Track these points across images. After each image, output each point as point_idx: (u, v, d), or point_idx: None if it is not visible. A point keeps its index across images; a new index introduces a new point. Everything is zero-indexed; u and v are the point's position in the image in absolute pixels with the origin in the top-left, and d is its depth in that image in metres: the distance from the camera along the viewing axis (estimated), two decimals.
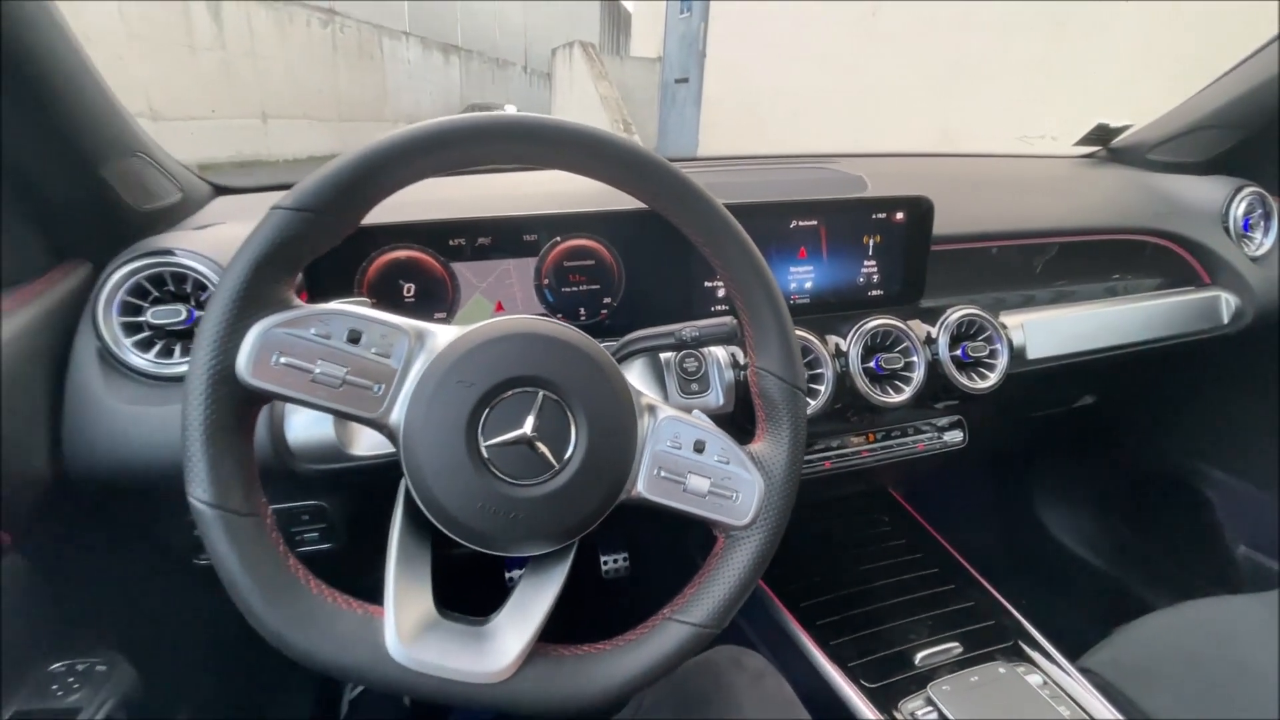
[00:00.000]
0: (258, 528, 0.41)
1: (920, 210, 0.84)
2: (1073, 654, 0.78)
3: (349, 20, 13.66)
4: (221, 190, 0.84)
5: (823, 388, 0.74)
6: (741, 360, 0.72)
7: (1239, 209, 1.04)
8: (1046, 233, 0.97)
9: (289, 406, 0.60)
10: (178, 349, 0.62)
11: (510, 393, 0.44)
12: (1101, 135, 1.24)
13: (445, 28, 17.23)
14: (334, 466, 0.62)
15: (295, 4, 12.10)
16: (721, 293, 0.79)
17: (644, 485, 0.48)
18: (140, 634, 0.63)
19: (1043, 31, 3.51)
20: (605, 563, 1.31)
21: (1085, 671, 0.75)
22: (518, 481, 0.44)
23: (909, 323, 0.81)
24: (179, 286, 0.63)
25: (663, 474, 0.48)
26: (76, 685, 0.55)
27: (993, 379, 0.81)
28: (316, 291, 0.66)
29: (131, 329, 0.62)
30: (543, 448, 0.44)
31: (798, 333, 0.74)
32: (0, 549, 0.51)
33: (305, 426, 0.61)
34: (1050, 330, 0.87)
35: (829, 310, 0.83)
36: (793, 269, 0.81)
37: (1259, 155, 1.09)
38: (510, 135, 0.46)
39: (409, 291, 0.68)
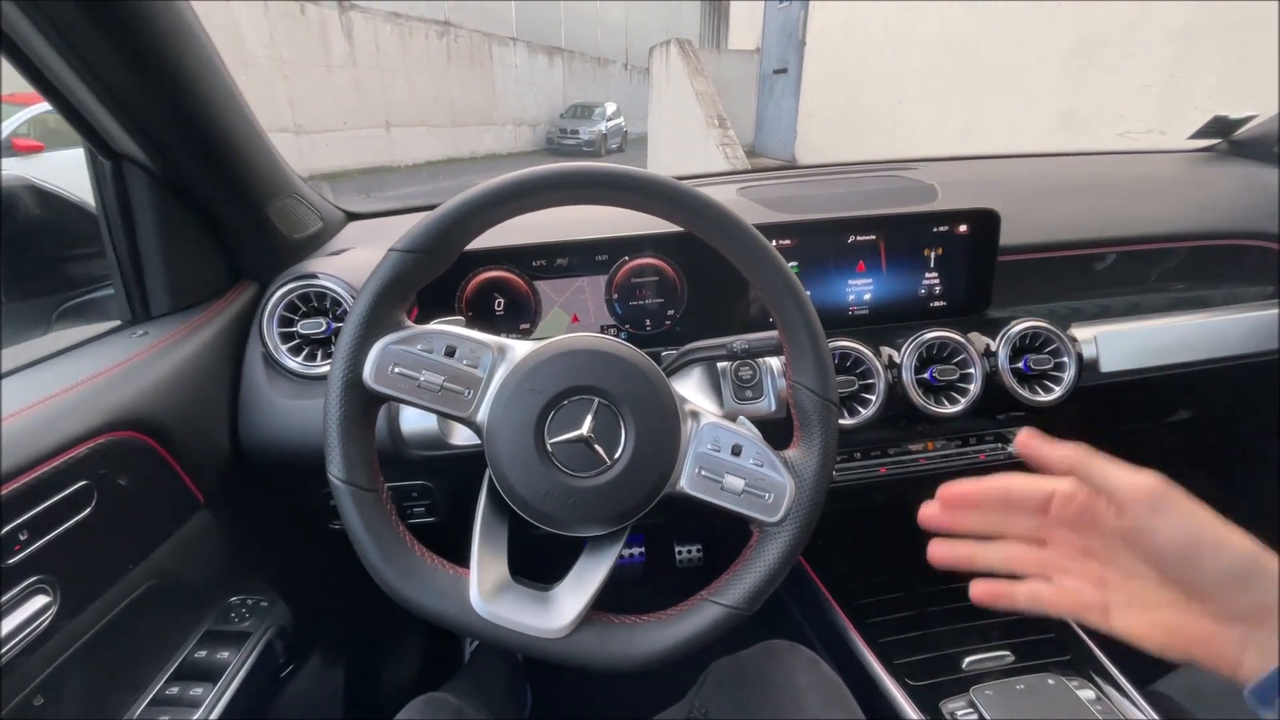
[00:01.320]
0: (377, 501, 0.53)
1: (985, 222, 0.84)
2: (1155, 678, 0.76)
3: (461, 30, 14.50)
4: (352, 216, 1.01)
5: (874, 397, 0.78)
6: None
7: None
8: (1141, 239, 0.93)
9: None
10: (319, 354, 0.77)
11: (571, 399, 0.53)
12: (1221, 128, 1.15)
13: (549, 30, 17.83)
14: (437, 454, 0.74)
15: (415, 17, 13.02)
16: None
17: (686, 482, 0.55)
18: (294, 580, 0.80)
19: None
20: (679, 553, 1.39)
21: (1153, 694, 0.74)
22: (576, 473, 0.53)
23: (969, 335, 0.82)
24: (320, 303, 0.78)
25: (703, 473, 0.55)
26: (247, 615, 0.71)
27: (1058, 392, 0.80)
28: (426, 305, 0.78)
29: (286, 338, 0.77)
30: (597, 446, 0.53)
31: (849, 344, 0.79)
32: (196, 503, 0.67)
33: (415, 421, 0.73)
34: (1127, 342, 0.84)
35: (890, 321, 0.86)
36: (851, 282, 0.85)
37: None
38: (567, 184, 0.54)
39: (499, 305, 0.80)
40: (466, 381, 0.54)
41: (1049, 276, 0.93)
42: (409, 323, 0.56)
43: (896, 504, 1.04)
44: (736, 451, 0.56)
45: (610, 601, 0.54)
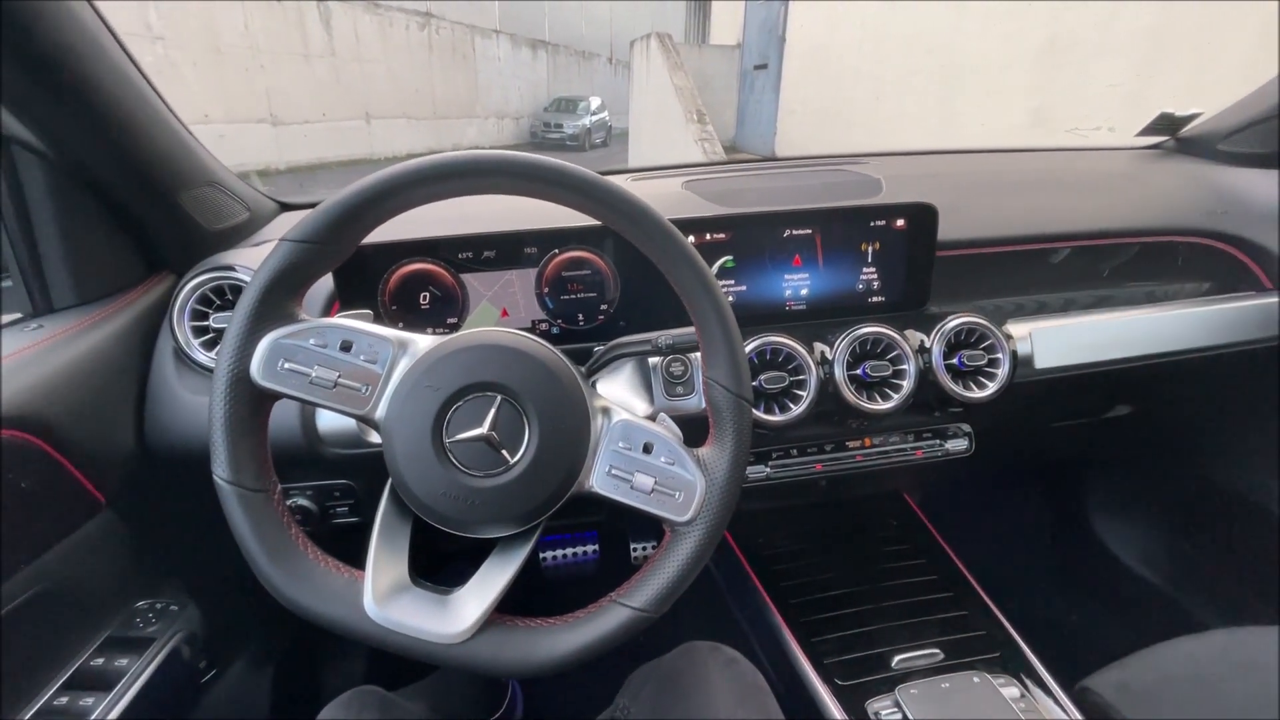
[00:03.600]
0: (266, 502, 0.51)
1: (923, 217, 0.83)
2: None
3: (444, 21, 14.33)
4: (286, 206, 0.97)
5: (805, 393, 0.77)
6: None
7: None
8: (1081, 236, 0.93)
9: None
10: None
11: (472, 396, 0.52)
12: (1167, 125, 1.15)
13: (533, 23, 17.68)
14: (355, 451, 0.72)
15: (395, 7, 12.83)
16: None
17: (596, 481, 0.54)
18: (205, 583, 0.77)
19: None
20: (635, 549, 1.38)
21: (1084, 690, 0.74)
22: (476, 473, 0.51)
23: (905, 331, 0.82)
24: (236, 296, 0.75)
25: (613, 471, 0.54)
26: (154, 620, 0.68)
27: (992, 388, 0.79)
28: (347, 299, 0.76)
29: (200, 331, 0.74)
30: (499, 444, 0.51)
31: (781, 339, 0.78)
32: (96, 505, 0.64)
33: (332, 418, 0.71)
34: (1062, 339, 0.84)
35: (828, 316, 0.85)
36: (788, 276, 0.83)
37: None
38: (467, 172, 0.52)
39: (425, 299, 0.77)
40: (364, 378, 0.52)
41: (993, 272, 0.92)
42: (303, 315, 0.53)
43: (835, 501, 1.04)
44: (648, 449, 0.55)
45: (561, 598, 0.53)
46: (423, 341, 0.54)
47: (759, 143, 7.09)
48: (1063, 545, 1.37)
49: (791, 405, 0.77)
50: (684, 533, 0.54)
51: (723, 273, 0.82)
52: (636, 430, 0.55)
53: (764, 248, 0.82)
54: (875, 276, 0.85)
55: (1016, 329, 0.84)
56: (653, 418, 0.60)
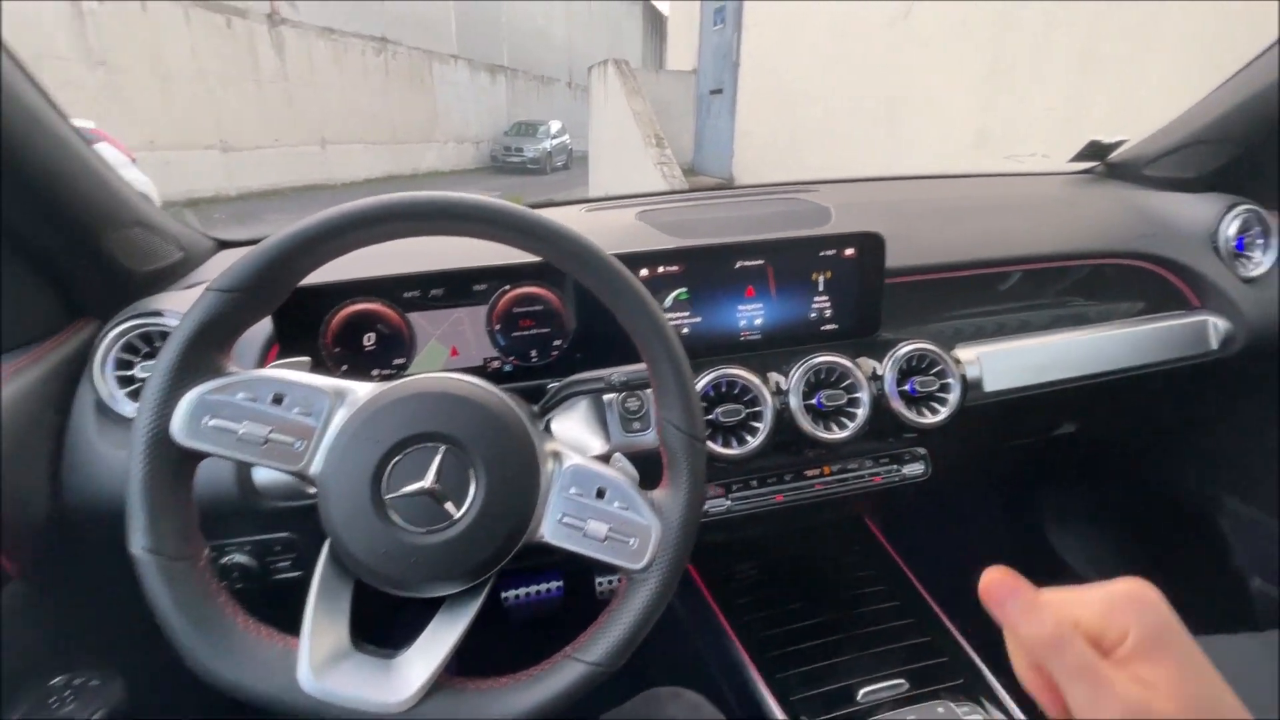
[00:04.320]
0: (188, 571, 0.47)
1: (870, 246, 0.85)
2: None
3: (400, 47, 14.28)
4: (225, 244, 0.94)
5: (761, 425, 0.76)
6: None
7: (1230, 228, 0.99)
8: (1020, 260, 0.96)
9: None
10: None
11: (414, 448, 0.49)
12: (1096, 151, 1.21)
13: (491, 49, 17.77)
14: (296, 503, 0.68)
15: (350, 33, 12.73)
16: None
17: (547, 529, 0.52)
18: (130, 654, 0.72)
19: (1084, 26, 3.36)
20: (600, 584, 1.35)
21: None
22: (418, 529, 0.48)
23: (859, 359, 0.82)
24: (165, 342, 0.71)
25: (566, 519, 0.52)
26: (71, 698, 0.63)
27: (943, 414, 0.81)
28: (287, 343, 0.73)
29: (125, 381, 0.70)
30: (442, 497, 0.49)
31: (737, 371, 0.77)
32: (4, 576, 0.59)
33: (270, 469, 0.67)
34: (1008, 362, 0.86)
35: (782, 345, 0.85)
36: (741, 307, 0.83)
37: (1256, 171, 1.04)
38: (405, 214, 0.51)
39: (370, 340, 0.75)
40: (297, 431, 0.49)
41: (944, 296, 0.94)
42: (232, 368, 0.50)
43: (806, 527, 1.03)
44: (601, 494, 0.53)
45: (524, 643, 0.50)
46: (361, 390, 0.52)
47: (717, 166, 7.22)
48: (1021, 562, 1.40)
49: (749, 438, 0.76)
50: (640, 580, 0.53)
51: (676, 305, 0.81)
52: (589, 475, 0.54)
53: (717, 279, 0.82)
54: (827, 305, 0.86)
55: (965, 353, 0.85)
56: (608, 457, 0.58)
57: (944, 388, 0.82)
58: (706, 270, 0.81)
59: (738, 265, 0.82)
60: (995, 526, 1.40)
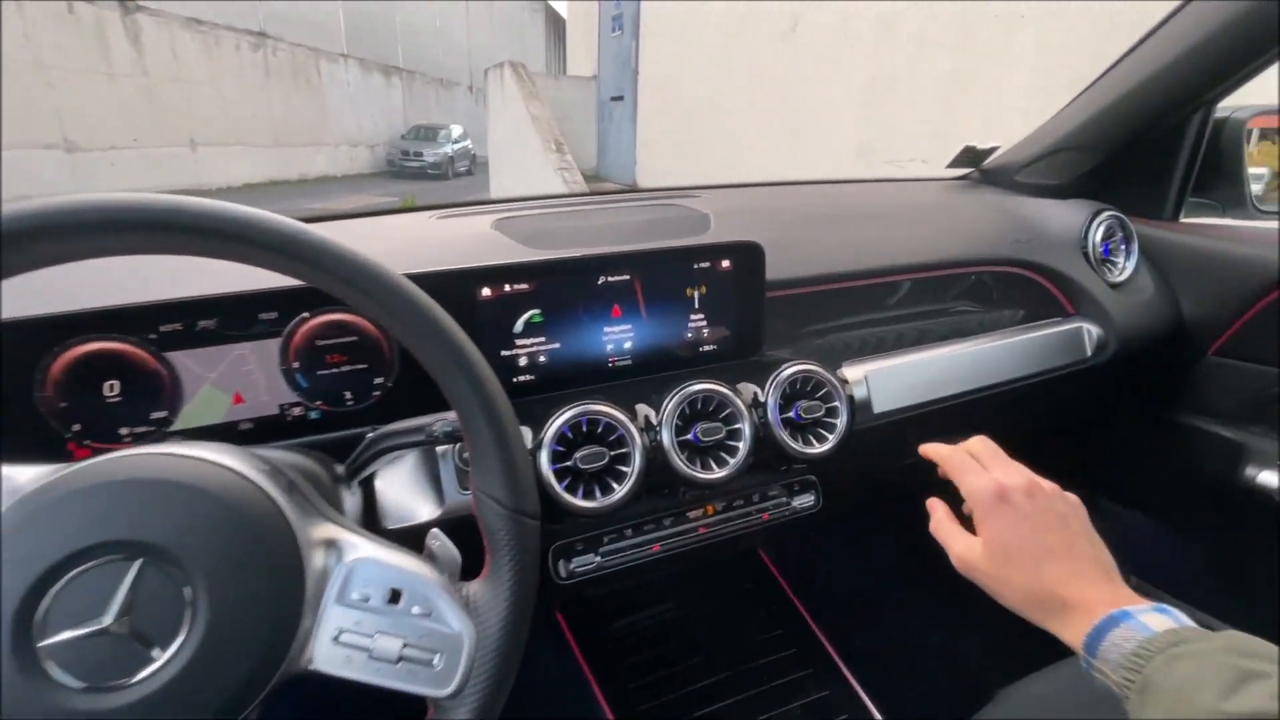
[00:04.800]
0: None
1: (748, 257, 0.76)
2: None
3: (281, 43, 13.28)
4: None
5: (630, 469, 0.65)
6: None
7: (1097, 234, 1.00)
8: (903, 269, 0.91)
9: None
10: None
11: (90, 564, 0.34)
12: (971, 158, 1.20)
13: (385, 49, 16.95)
14: None
15: (222, 26, 11.68)
16: (524, 362, 0.69)
17: (319, 654, 0.38)
18: None
19: (952, 45, 3.57)
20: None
21: None
22: (97, 684, 0.33)
23: (740, 384, 0.73)
24: None
25: (343, 637, 0.38)
26: None
27: (831, 442, 0.73)
28: None
29: None
30: (140, 636, 0.34)
31: (598, 408, 0.66)
32: None
33: None
34: (896, 379, 0.80)
35: (658, 371, 0.75)
36: (608, 329, 0.72)
37: (1118, 178, 1.06)
38: (95, 226, 0.35)
39: (113, 390, 0.57)
40: None
41: (832, 309, 0.88)
42: None
43: (685, 571, 0.94)
44: (394, 598, 0.40)
45: None
46: (22, 478, 0.36)
47: (620, 172, 7.18)
48: (918, 585, 1.38)
49: (615, 485, 0.65)
50: (451, 707, 0.40)
51: (529, 330, 0.69)
52: (377, 571, 0.40)
53: (577, 297, 0.70)
54: (704, 324, 0.76)
55: (852, 372, 0.79)
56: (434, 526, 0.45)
57: (830, 412, 0.74)
58: (564, 288, 0.70)
59: (600, 281, 0.71)
60: (892, 549, 1.37)
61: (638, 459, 0.65)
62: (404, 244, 0.81)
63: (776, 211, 0.99)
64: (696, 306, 0.76)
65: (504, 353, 0.68)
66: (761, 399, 0.72)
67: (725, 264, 0.76)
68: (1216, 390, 1.01)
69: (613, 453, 0.65)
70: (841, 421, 0.74)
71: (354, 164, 15.86)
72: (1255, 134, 1.11)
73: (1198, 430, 1.02)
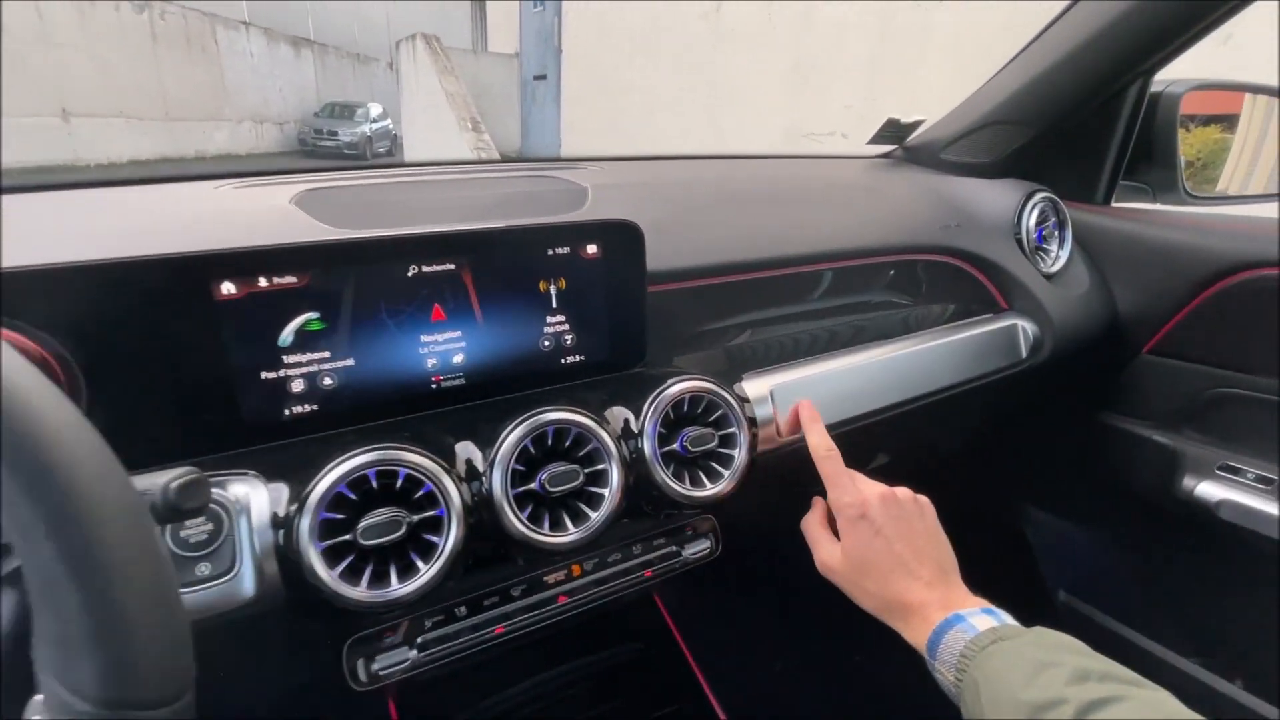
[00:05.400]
0: None
1: (622, 240, 0.58)
2: None
3: (170, 7, 12.04)
4: None
5: (442, 539, 0.46)
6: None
7: (1031, 218, 0.89)
8: (819, 258, 0.76)
9: None
10: None
11: None
12: (895, 133, 1.07)
13: (294, 20, 15.77)
14: None
15: None
16: (297, 387, 0.49)
17: None
18: None
19: (872, 31, 3.53)
20: None
21: None
22: None
23: (608, 410, 0.56)
24: None
25: None
26: None
27: (726, 478, 0.57)
28: None
29: None
30: None
31: (400, 455, 0.46)
32: None
33: None
34: (809, 394, 0.64)
35: (503, 392, 0.56)
36: (427, 338, 0.53)
37: (1050, 155, 0.95)
38: None
39: None
40: None
41: (730, 307, 0.71)
42: None
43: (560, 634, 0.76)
44: None
45: None
46: None
47: (546, 154, 6.90)
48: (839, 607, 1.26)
49: (421, 565, 0.46)
50: None
51: (304, 340, 0.48)
52: None
53: (376, 295, 0.50)
54: (565, 328, 0.58)
55: (754, 386, 0.63)
56: None
57: (726, 440, 0.58)
58: (355, 282, 0.50)
59: (412, 273, 0.51)
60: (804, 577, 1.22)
61: (454, 526, 0.46)
62: (150, 220, 0.58)
63: (672, 187, 0.82)
64: (554, 305, 0.57)
65: (266, 375, 0.48)
66: (636, 428, 0.55)
67: (591, 249, 0.58)
68: (1151, 392, 0.92)
69: (416, 517, 0.46)
70: (740, 454, 0.58)
71: (260, 142, 14.74)
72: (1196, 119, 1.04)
73: (1131, 435, 0.94)
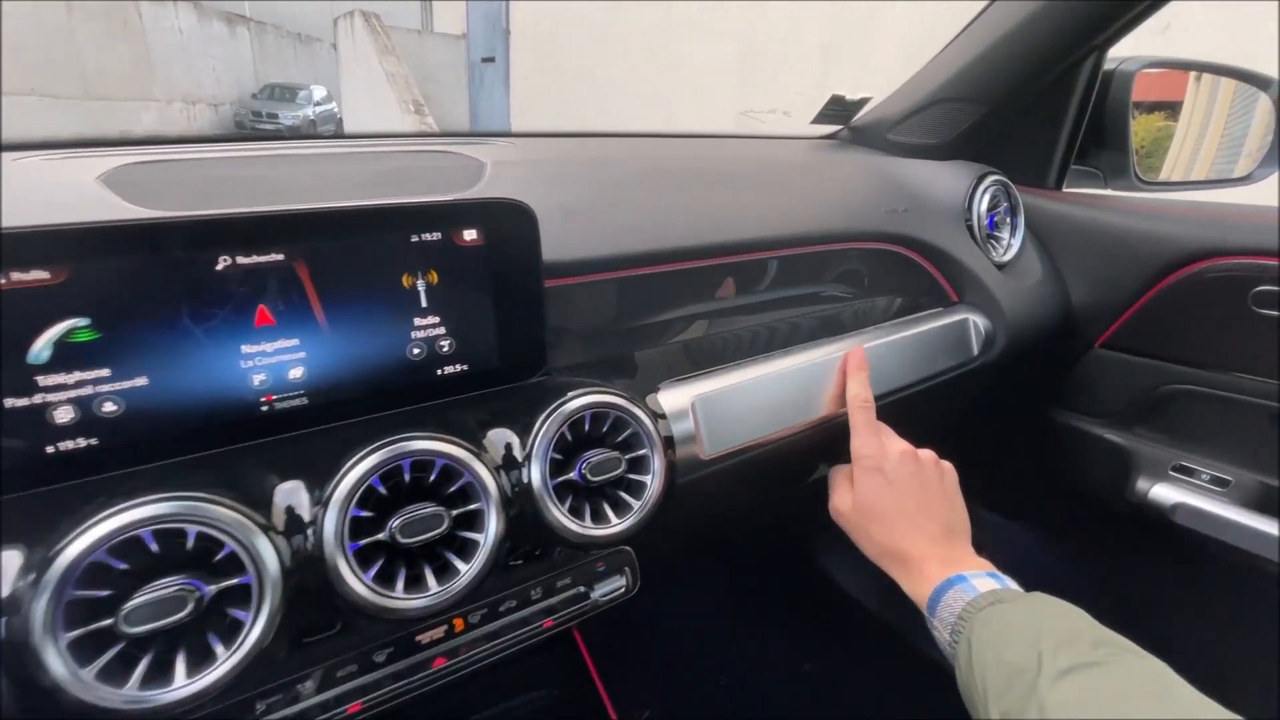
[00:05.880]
0: None
1: (508, 224, 0.48)
2: None
3: None
4: None
5: (251, 614, 0.36)
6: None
7: (983, 203, 0.82)
8: (751, 246, 0.67)
9: None
10: None
11: None
12: (840, 111, 0.99)
13: None
14: None
15: None
16: (64, 417, 0.37)
17: None
18: None
19: (827, 15, 3.47)
20: None
21: None
22: None
23: (488, 433, 0.46)
24: None
25: None
26: None
27: (635, 511, 0.48)
28: None
29: None
30: None
31: (198, 506, 0.35)
32: None
33: None
34: (739, 404, 0.56)
35: (359, 413, 0.46)
36: (250, 348, 0.41)
37: (1002, 137, 0.89)
38: None
39: None
40: None
41: (650, 304, 0.62)
42: None
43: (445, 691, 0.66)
44: None
45: None
46: None
47: (460, 129, 6.68)
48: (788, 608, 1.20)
49: (220, 648, 0.35)
50: None
51: (69, 357, 0.37)
52: None
53: (172, 295, 0.39)
54: (442, 332, 0.48)
55: (672, 398, 0.53)
56: None
57: (637, 465, 0.49)
58: (137, 278, 0.38)
59: (222, 265, 0.40)
60: (736, 607, 1.15)
61: (267, 597, 0.36)
62: None
63: (588, 165, 0.72)
64: (424, 304, 0.47)
65: (12, 403, 0.36)
66: (521, 457, 0.45)
67: (469, 236, 0.47)
68: (1104, 388, 0.87)
69: (214, 587, 0.35)
70: (653, 481, 0.49)
71: (193, 123, 13.96)
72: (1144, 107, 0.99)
73: (1084, 434, 0.89)
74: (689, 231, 0.63)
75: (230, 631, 0.35)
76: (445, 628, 0.48)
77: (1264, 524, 0.73)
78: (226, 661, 0.35)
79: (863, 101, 0.98)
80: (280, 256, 0.41)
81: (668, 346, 0.61)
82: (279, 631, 0.36)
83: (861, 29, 3.30)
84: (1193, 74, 1.20)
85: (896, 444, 0.56)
